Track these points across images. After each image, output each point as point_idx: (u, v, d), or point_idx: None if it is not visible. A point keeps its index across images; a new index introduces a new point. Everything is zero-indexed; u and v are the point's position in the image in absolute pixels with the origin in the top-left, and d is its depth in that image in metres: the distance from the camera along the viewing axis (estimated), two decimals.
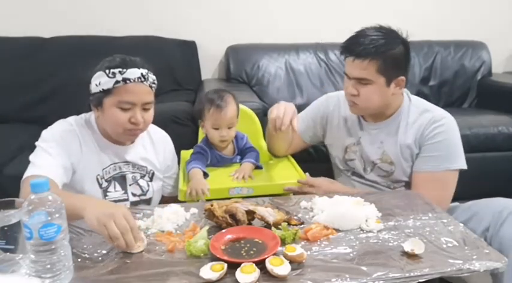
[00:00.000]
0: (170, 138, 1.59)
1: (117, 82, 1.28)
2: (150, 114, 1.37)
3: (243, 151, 1.67)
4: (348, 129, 1.55)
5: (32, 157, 1.28)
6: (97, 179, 1.38)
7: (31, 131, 2.23)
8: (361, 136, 1.51)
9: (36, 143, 1.32)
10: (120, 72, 1.28)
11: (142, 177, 1.47)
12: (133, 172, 1.44)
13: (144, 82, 1.31)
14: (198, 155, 1.61)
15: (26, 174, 1.24)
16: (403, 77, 1.40)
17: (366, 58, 1.33)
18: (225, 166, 1.64)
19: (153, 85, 1.36)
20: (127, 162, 1.43)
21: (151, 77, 1.34)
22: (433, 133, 1.39)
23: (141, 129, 1.36)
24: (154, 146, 1.51)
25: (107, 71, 1.28)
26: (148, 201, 1.48)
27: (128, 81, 1.28)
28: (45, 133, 1.34)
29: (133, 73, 1.29)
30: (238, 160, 1.68)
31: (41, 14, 2.74)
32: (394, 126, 1.46)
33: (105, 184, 1.39)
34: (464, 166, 1.39)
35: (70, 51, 2.55)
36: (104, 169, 1.39)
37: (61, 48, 2.56)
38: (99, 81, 1.30)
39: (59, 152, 1.29)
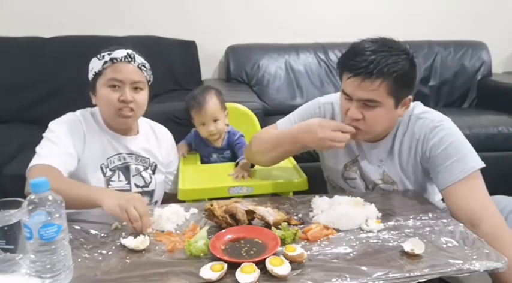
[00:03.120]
0: (172, 137, 1.65)
1: (105, 62, 1.36)
2: (142, 96, 1.41)
3: (232, 146, 1.71)
4: (346, 146, 1.35)
5: (37, 148, 1.33)
6: (101, 168, 1.41)
7: (31, 131, 2.23)
8: (358, 154, 1.39)
9: (43, 134, 1.36)
10: (108, 53, 1.37)
11: (145, 169, 1.50)
12: (136, 164, 1.48)
13: (132, 62, 1.38)
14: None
15: (31, 164, 1.28)
16: (410, 97, 1.25)
17: (377, 79, 1.15)
18: (224, 165, 1.65)
19: (143, 68, 1.41)
20: (130, 154, 1.47)
21: (140, 59, 1.40)
22: (436, 139, 1.24)
23: (132, 110, 1.39)
24: (158, 140, 1.57)
25: (98, 56, 1.38)
26: (151, 193, 1.51)
27: (114, 60, 1.36)
28: (50, 124, 1.39)
29: (119, 53, 1.37)
30: (227, 154, 1.74)
31: (41, 14, 2.74)
32: (390, 143, 1.34)
33: (109, 173, 1.42)
34: (483, 164, 1.21)
35: (70, 51, 2.55)
36: (108, 158, 1.43)
37: (61, 48, 2.57)
38: (92, 66, 1.39)
39: (63, 140, 1.34)
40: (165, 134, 1.61)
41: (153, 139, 1.56)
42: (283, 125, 1.47)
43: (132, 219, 1.07)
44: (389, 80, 1.17)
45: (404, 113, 1.29)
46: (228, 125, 1.75)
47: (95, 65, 1.38)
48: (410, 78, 1.23)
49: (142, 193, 1.48)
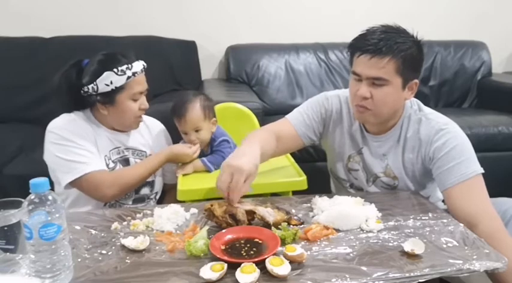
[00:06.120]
0: (164, 127, 1.70)
1: (128, 77, 1.41)
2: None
3: (213, 152, 1.66)
4: (351, 137, 1.43)
5: (68, 156, 1.37)
6: (105, 159, 1.46)
7: (31, 131, 2.24)
8: (362, 147, 1.41)
9: (56, 141, 1.38)
10: (127, 68, 1.41)
11: None
12: (134, 158, 1.54)
13: (143, 71, 1.47)
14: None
15: (79, 172, 1.35)
16: (416, 81, 1.30)
17: (385, 56, 1.20)
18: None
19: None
20: (127, 148, 1.54)
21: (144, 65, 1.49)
22: (441, 142, 1.26)
23: (144, 113, 1.52)
24: (151, 133, 1.63)
25: (116, 70, 1.39)
26: (151, 184, 1.57)
27: (136, 74, 1.43)
28: (59, 131, 1.40)
29: (138, 66, 1.44)
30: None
31: (41, 14, 2.74)
32: (395, 138, 1.36)
33: (111, 164, 1.48)
34: (483, 170, 1.24)
35: (70, 51, 2.53)
36: (110, 150, 1.49)
37: (61, 48, 2.56)
38: (110, 80, 1.39)
39: (86, 143, 1.41)
40: (156, 126, 1.67)
41: (146, 132, 1.62)
42: (294, 117, 1.48)
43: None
44: (398, 59, 1.21)
45: (410, 97, 1.32)
46: (212, 132, 1.67)
47: (114, 79, 1.39)
48: (417, 60, 1.27)
49: (144, 184, 1.54)
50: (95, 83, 1.39)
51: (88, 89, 1.40)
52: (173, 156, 1.52)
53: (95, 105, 1.45)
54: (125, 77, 1.40)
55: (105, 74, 1.38)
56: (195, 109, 1.59)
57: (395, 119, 1.36)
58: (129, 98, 1.43)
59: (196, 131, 1.60)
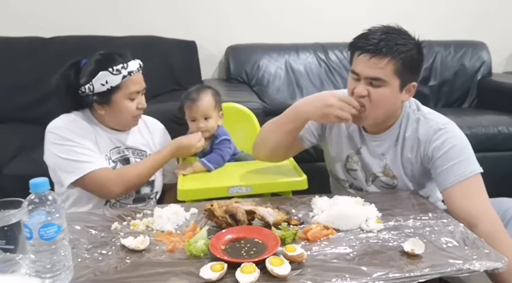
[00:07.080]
0: (164, 127, 1.70)
1: (124, 77, 1.40)
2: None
3: (213, 150, 1.67)
4: (349, 137, 1.43)
5: (70, 156, 1.36)
6: (105, 159, 1.46)
7: (31, 131, 2.24)
8: (361, 147, 1.41)
9: (57, 141, 1.38)
10: (123, 67, 1.40)
11: None
12: (134, 157, 1.54)
13: (140, 70, 1.46)
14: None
15: (83, 171, 1.35)
16: (415, 83, 1.29)
17: (385, 56, 1.20)
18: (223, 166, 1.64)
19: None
20: (128, 148, 1.53)
21: (141, 63, 1.49)
22: (439, 142, 1.26)
23: (142, 113, 1.51)
24: (150, 132, 1.63)
25: (111, 70, 1.39)
26: (151, 183, 1.57)
27: (131, 74, 1.42)
28: (59, 131, 1.40)
29: (134, 65, 1.43)
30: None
31: (41, 14, 2.74)
32: (394, 137, 1.35)
33: (112, 164, 1.47)
34: (482, 170, 1.24)
35: (70, 51, 2.52)
36: (110, 150, 1.48)
37: (61, 48, 2.55)
38: (106, 80, 1.39)
39: (87, 142, 1.41)
40: (156, 125, 1.67)
41: (146, 132, 1.62)
42: None
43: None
44: (397, 60, 1.21)
45: (408, 99, 1.32)
46: (218, 126, 1.69)
47: (110, 79, 1.39)
48: (416, 63, 1.27)
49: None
50: (91, 83, 1.39)
51: (85, 89, 1.41)
52: (177, 149, 1.53)
53: (93, 105, 1.45)
54: (120, 76, 1.39)
55: (101, 73, 1.38)
56: (208, 96, 1.63)
57: (393, 119, 1.35)
58: (126, 98, 1.43)
59: (206, 118, 1.63)
